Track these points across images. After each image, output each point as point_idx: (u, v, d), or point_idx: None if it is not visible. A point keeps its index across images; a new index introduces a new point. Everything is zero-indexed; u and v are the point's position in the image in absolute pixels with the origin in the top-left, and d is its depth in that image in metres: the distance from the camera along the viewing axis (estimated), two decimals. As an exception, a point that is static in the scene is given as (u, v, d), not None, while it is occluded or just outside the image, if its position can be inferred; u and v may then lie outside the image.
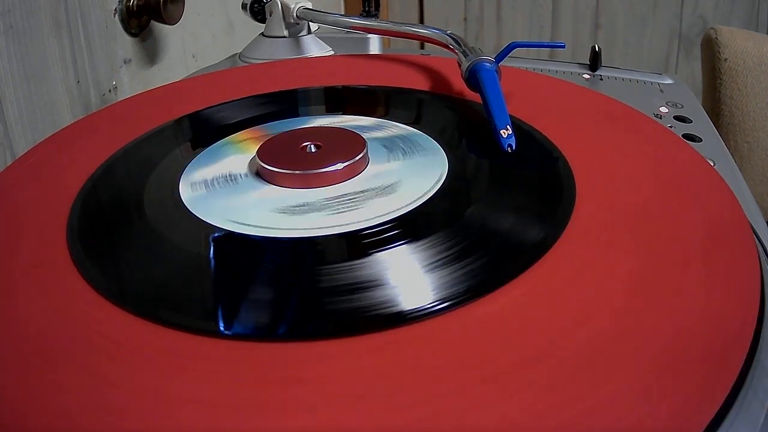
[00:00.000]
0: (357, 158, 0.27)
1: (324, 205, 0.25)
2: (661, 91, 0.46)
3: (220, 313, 0.20)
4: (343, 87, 0.37)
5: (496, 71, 0.32)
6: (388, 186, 0.26)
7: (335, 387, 0.18)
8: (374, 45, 0.55)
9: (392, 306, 0.20)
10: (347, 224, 0.24)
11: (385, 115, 0.33)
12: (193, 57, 0.68)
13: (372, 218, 0.24)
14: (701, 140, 0.39)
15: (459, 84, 0.35)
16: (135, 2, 0.55)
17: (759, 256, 0.22)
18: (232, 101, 0.36)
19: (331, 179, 0.26)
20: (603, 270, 0.21)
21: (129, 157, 0.30)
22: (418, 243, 0.23)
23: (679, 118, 0.42)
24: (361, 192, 0.26)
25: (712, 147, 0.38)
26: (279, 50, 0.50)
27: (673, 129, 0.37)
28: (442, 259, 0.22)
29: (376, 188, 0.26)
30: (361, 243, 0.23)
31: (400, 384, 0.17)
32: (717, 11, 1.08)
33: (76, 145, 0.32)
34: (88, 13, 0.51)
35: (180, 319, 0.20)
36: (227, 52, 0.59)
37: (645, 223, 0.23)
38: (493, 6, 1.18)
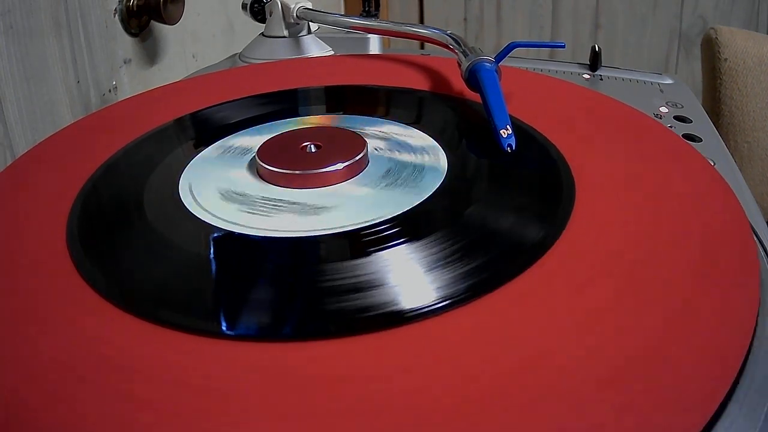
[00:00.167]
0: (357, 158, 0.27)
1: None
2: (661, 91, 0.46)
3: (219, 314, 0.20)
4: (343, 87, 0.37)
5: (496, 71, 0.32)
6: (399, 177, 0.26)
7: (335, 386, 0.18)
8: (374, 45, 0.55)
9: (392, 306, 0.20)
10: (379, 216, 0.24)
11: (385, 115, 0.33)
12: (193, 57, 0.68)
13: (373, 217, 0.24)
14: (701, 140, 0.39)
15: (459, 84, 0.35)
16: (135, 2, 0.55)
17: (759, 256, 0.22)
18: (232, 101, 0.36)
19: (331, 179, 0.27)
20: (602, 270, 0.21)
21: (129, 157, 0.30)
22: (418, 242, 0.23)
23: (679, 118, 0.42)
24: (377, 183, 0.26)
25: (712, 147, 0.38)
26: (279, 50, 0.50)
27: (673, 129, 0.37)
28: (442, 258, 0.22)
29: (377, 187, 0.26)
30: (360, 242, 0.23)
31: (400, 383, 0.17)
32: (717, 11, 1.08)
33: (76, 145, 0.32)
34: (88, 13, 0.51)
35: (180, 320, 0.20)
36: (227, 52, 0.59)
37: (645, 222, 0.23)
38: (493, 6, 1.18)
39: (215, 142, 0.31)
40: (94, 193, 0.28)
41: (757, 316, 0.19)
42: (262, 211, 0.25)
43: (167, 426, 0.17)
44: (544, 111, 0.32)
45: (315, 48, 0.50)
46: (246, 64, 0.49)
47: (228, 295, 0.21)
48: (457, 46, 0.36)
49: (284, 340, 0.19)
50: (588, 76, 0.49)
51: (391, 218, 0.24)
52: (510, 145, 0.28)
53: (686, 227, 0.23)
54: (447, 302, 0.20)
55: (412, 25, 0.42)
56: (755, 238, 0.23)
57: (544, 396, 0.17)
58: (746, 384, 0.18)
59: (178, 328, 0.20)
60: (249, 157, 0.29)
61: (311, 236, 0.23)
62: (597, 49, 0.50)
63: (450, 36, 0.38)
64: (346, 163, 0.27)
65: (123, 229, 0.25)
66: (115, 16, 0.55)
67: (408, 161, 0.28)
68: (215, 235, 0.24)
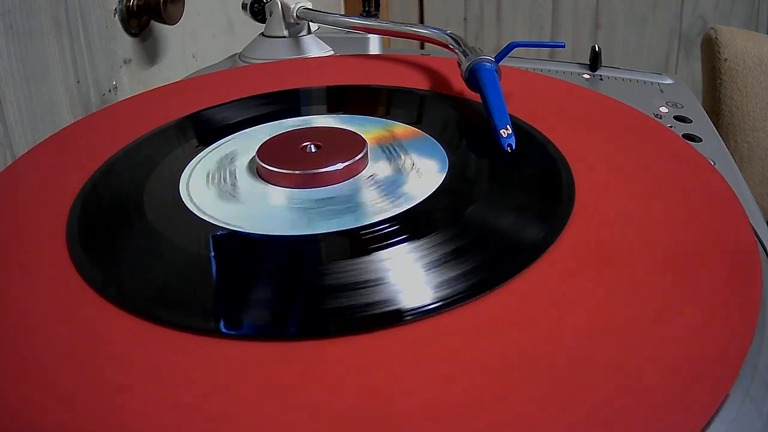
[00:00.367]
0: (357, 158, 0.27)
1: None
2: (661, 91, 0.46)
3: (219, 314, 0.20)
4: (343, 87, 0.37)
5: (496, 71, 0.32)
6: (399, 177, 0.26)
7: (335, 386, 0.18)
8: (374, 45, 0.55)
9: (391, 305, 0.20)
10: (376, 215, 0.24)
11: (385, 115, 0.33)
12: (193, 57, 0.68)
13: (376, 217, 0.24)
14: (701, 140, 0.39)
15: (459, 84, 0.35)
16: (135, 2, 0.55)
17: (759, 256, 0.22)
18: (233, 101, 0.36)
19: (331, 179, 0.27)
20: (602, 269, 0.21)
21: (129, 157, 0.30)
22: (418, 242, 0.23)
23: (679, 118, 0.42)
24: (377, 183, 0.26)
25: (712, 147, 0.38)
26: (279, 50, 0.50)
27: (673, 129, 0.37)
28: (442, 258, 0.22)
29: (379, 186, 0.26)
30: (360, 242, 0.23)
31: (400, 383, 0.17)
32: (717, 11, 1.08)
33: (76, 145, 0.32)
34: (88, 13, 0.51)
35: (180, 320, 0.20)
36: (227, 52, 0.59)
37: (644, 222, 0.23)
38: (493, 6, 1.18)
39: (215, 142, 0.31)
40: (94, 192, 0.28)
41: (758, 315, 0.19)
42: (262, 210, 0.25)
43: (167, 425, 0.17)
44: (544, 111, 0.32)
45: (315, 48, 0.50)
46: (246, 64, 0.49)
47: (227, 294, 0.21)
48: (457, 46, 0.36)
49: (284, 340, 0.19)
50: (588, 76, 0.49)
51: (391, 218, 0.24)
52: (510, 145, 0.28)
53: (686, 227, 0.23)
54: (446, 302, 0.20)
55: (412, 25, 0.42)
56: (755, 238, 0.23)
57: (543, 396, 0.17)
58: (747, 383, 0.18)
59: (178, 327, 0.20)
60: (249, 157, 0.29)
61: (311, 235, 0.23)
62: (597, 49, 0.50)
63: (450, 36, 0.38)
64: (346, 163, 0.27)
65: (123, 229, 0.25)
66: (115, 16, 0.55)
67: (408, 161, 0.28)
68: (215, 234, 0.24)
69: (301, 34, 0.50)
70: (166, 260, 0.23)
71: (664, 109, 0.43)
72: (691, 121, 0.41)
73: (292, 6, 0.49)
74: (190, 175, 0.28)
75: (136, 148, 0.31)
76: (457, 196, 0.26)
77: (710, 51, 0.69)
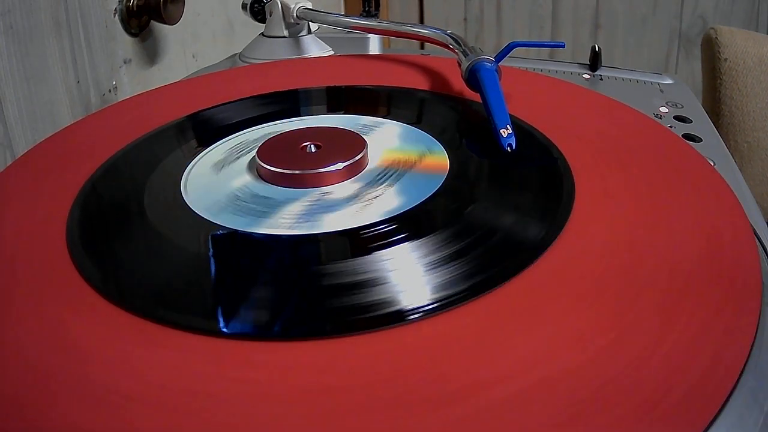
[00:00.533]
0: (357, 158, 0.27)
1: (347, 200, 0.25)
2: (661, 91, 0.46)
3: (219, 313, 0.20)
4: (344, 87, 0.37)
5: (496, 71, 0.32)
6: (400, 177, 0.26)
7: (335, 385, 0.18)
8: (374, 45, 0.55)
9: (391, 305, 0.20)
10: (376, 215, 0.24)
11: (385, 115, 0.33)
12: (193, 57, 0.68)
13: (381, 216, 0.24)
14: (701, 140, 0.39)
15: (459, 84, 0.35)
16: (135, 2, 0.55)
17: (759, 256, 0.22)
18: (233, 101, 0.36)
19: (331, 179, 0.27)
20: (602, 269, 0.21)
21: (129, 157, 0.30)
22: (418, 242, 0.23)
23: (679, 118, 0.42)
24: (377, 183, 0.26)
25: (712, 147, 0.38)
26: (279, 50, 0.50)
27: (673, 129, 0.37)
28: (441, 258, 0.22)
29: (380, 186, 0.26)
30: (360, 242, 0.23)
31: (399, 382, 0.17)
32: (717, 11, 1.08)
33: (76, 145, 0.32)
34: (88, 13, 0.51)
35: (180, 319, 0.20)
36: (227, 52, 0.59)
37: (644, 223, 0.23)
38: (493, 6, 1.18)
39: (215, 142, 0.31)
40: (94, 192, 0.28)
41: (759, 316, 0.19)
42: (262, 210, 0.25)
43: (166, 425, 0.17)
44: (544, 111, 0.32)
45: (315, 48, 0.50)
46: (246, 64, 0.49)
47: (228, 294, 0.21)
48: (457, 46, 0.36)
49: (284, 339, 0.19)
50: (588, 76, 0.49)
51: (391, 218, 0.24)
52: (510, 145, 0.28)
53: (686, 227, 0.23)
54: (446, 302, 0.20)
55: (412, 25, 0.42)
56: (755, 238, 0.23)
57: (543, 395, 0.17)
58: (747, 384, 0.18)
59: (179, 327, 0.20)
60: (249, 157, 0.29)
61: (311, 235, 0.23)
62: (597, 49, 0.50)
63: (450, 36, 0.38)
64: (346, 163, 0.27)
65: (123, 229, 0.25)
66: (115, 16, 0.55)
67: (408, 161, 0.28)
68: (215, 234, 0.24)
69: (301, 34, 0.50)
70: (166, 260, 0.23)
71: (664, 109, 0.43)
72: (691, 121, 0.41)
73: (292, 6, 0.49)
74: (190, 175, 0.28)
75: (136, 148, 0.31)
76: (457, 196, 0.26)
77: (710, 51, 0.69)
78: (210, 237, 0.24)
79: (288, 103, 0.36)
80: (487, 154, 0.29)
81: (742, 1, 1.06)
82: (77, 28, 0.50)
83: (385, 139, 0.30)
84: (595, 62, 0.50)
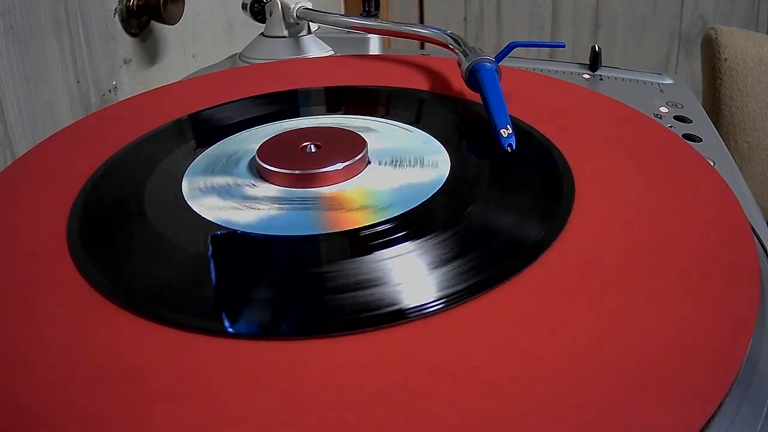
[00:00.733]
0: (357, 158, 0.27)
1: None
2: (661, 91, 0.46)
3: (221, 313, 0.20)
4: (344, 87, 0.37)
5: (496, 71, 0.32)
6: (400, 177, 0.26)
7: (335, 385, 0.18)
8: (374, 45, 0.55)
9: (392, 304, 0.20)
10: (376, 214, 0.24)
11: (385, 115, 0.33)
12: (193, 57, 0.68)
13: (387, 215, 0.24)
14: (701, 140, 0.39)
15: (459, 84, 0.35)
16: (135, 2, 0.55)
17: (759, 256, 0.22)
18: (233, 101, 0.36)
19: (331, 179, 0.27)
20: (602, 269, 0.21)
21: (129, 157, 0.30)
22: (418, 242, 0.23)
23: (679, 118, 0.42)
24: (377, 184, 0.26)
25: (712, 147, 0.38)
26: (279, 50, 0.50)
27: (673, 129, 0.37)
28: (442, 257, 0.22)
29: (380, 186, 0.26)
30: (360, 242, 0.23)
31: (400, 382, 0.17)
32: (717, 11, 1.08)
33: (76, 145, 0.32)
34: (88, 13, 0.51)
35: (181, 319, 0.20)
36: (227, 52, 0.59)
37: (644, 222, 0.23)
38: (493, 6, 1.18)
39: (215, 142, 0.31)
40: (94, 192, 0.28)
41: (758, 315, 0.19)
42: (262, 210, 0.25)
43: (166, 425, 0.17)
44: (545, 111, 0.32)
45: (315, 48, 0.50)
46: (246, 64, 0.49)
47: (229, 294, 0.21)
48: (457, 46, 0.36)
49: (285, 338, 0.19)
50: (588, 76, 0.49)
51: (392, 218, 0.24)
52: (510, 145, 0.28)
53: (686, 227, 0.23)
54: (447, 301, 0.20)
55: (412, 25, 0.42)
56: (755, 238, 0.23)
57: (543, 395, 0.17)
58: (746, 383, 0.18)
59: (180, 326, 0.20)
60: (249, 157, 0.29)
61: (312, 235, 0.23)
62: (597, 49, 0.50)
63: (450, 36, 0.38)
64: (346, 163, 0.27)
65: (124, 229, 0.25)
66: (115, 16, 0.55)
67: (408, 161, 0.28)
68: (216, 234, 0.24)
69: (301, 34, 0.50)
70: (167, 260, 0.23)
71: (664, 109, 0.43)
72: (691, 121, 0.41)
73: (292, 6, 0.49)
74: (190, 174, 0.28)
75: (137, 148, 0.31)
76: (457, 196, 0.26)
77: (710, 51, 0.69)
78: (210, 237, 0.24)
79: (288, 103, 0.36)
80: (487, 155, 0.29)
81: (742, 1, 1.06)
82: (77, 28, 0.50)
83: (386, 139, 0.30)
84: (595, 62, 0.50)
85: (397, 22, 0.43)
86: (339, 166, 0.27)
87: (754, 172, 0.67)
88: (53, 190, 0.28)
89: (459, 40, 0.37)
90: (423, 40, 0.42)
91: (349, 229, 0.24)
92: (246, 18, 0.54)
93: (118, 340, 0.20)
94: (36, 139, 0.46)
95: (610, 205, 0.25)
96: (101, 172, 0.29)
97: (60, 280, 0.22)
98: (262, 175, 0.27)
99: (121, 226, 0.26)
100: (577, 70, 0.51)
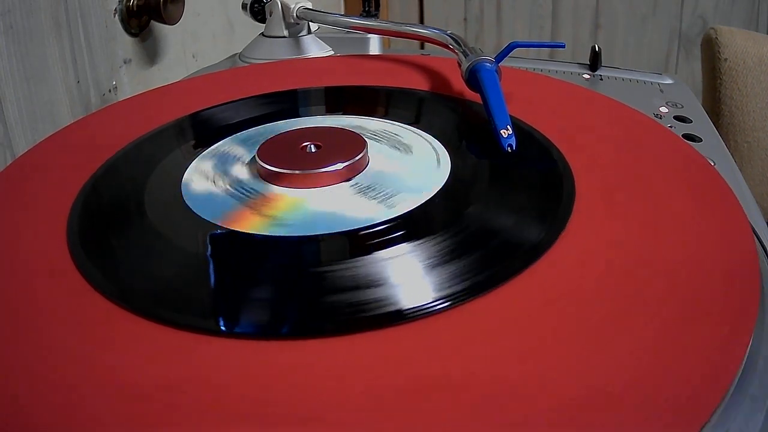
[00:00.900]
0: (357, 158, 0.27)
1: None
2: (661, 91, 0.46)
3: (219, 313, 0.20)
4: (343, 87, 0.37)
5: (496, 71, 0.32)
6: (400, 177, 0.26)
7: (334, 385, 0.18)
8: (374, 45, 0.55)
9: (391, 305, 0.20)
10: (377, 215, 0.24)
11: (385, 115, 0.33)
12: (193, 57, 0.68)
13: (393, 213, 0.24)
14: (701, 140, 0.39)
15: (459, 84, 0.35)
16: (135, 2, 0.55)
17: (759, 256, 0.22)
18: (233, 101, 0.36)
19: (331, 179, 0.27)
20: (602, 270, 0.21)
21: (129, 157, 0.30)
22: (418, 242, 0.23)
23: (679, 118, 0.42)
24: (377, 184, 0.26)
25: (712, 147, 0.38)
26: (279, 50, 0.50)
27: (673, 129, 0.37)
28: (441, 258, 0.22)
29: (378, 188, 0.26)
30: (360, 242, 0.23)
31: (398, 382, 0.17)
32: (717, 11, 1.08)
33: (75, 146, 0.32)
34: (88, 13, 0.51)
35: (181, 319, 0.20)
36: (227, 52, 0.59)
37: (644, 222, 0.23)
38: (493, 6, 1.18)
39: (216, 142, 0.31)
40: (94, 192, 0.28)
41: (759, 316, 0.19)
42: (262, 210, 0.25)
43: (165, 424, 0.17)
44: (544, 111, 0.32)
45: (315, 48, 0.50)
46: (246, 64, 0.49)
47: (228, 293, 0.21)
48: (457, 46, 0.36)
49: (283, 339, 0.19)
50: (588, 76, 0.49)
51: (391, 218, 0.24)
52: (510, 145, 0.28)
53: (686, 227, 0.23)
54: (446, 302, 0.20)
55: (412, 25, 0.42)
56: (755, 239, 0.23)
57: (543, 395, 0.17)
58: (747, 384, 0.18)
59: (180, 326, 0.20)
60: (249, 157, 0.29)
61: (311, 236, 0.23)
62: (597, 49, 0.50)
63: (450, 36, 0.38)
64: (346, 163, 0.27)
65: (124, 229, 0.25)
66: (115, 16, 0.55)
67: (408, 161, 0.28)
68: (216, 234, 0.24)
69: (301, 34, 0.50)
70: (167, 260, 0.23)
71: (664, 109, 0.43)
72: (691, 121, 0.41)
73: (292, 6, 0.49)
74: (190, 174, 0.28)
75: (136, 148, 0.31)
76: (457, 197, 0.26)
77: (710, 51, 0.69)
78: (210, 237, 0.24)
79: (288, 103, 0.36)
80: (487, 155, 0.29)
81: (742, 1, 1.06)
82: (77, 28, 0.50)
83: (386, 139, 0.30)
84: (595, 62, 0.50)
85: (397, 22, 0.43)
86: (339, 166, 0.27)
87: (754, 172, 0.67)
88: (53, 190, 0.28)
89: (459, 40, 0.37)
90: (423, 40, 0.42)
91: (348, 229, 0.24)
92: (246, 18, 0.54)
93: (118, 339, 0.20)
94: (36, 139, 0.46)
95: (610, 206, 0.25)
96: (101, 172, 0.29)
97: (60, 280, 0.22)
98: (261, 175, 0.27)
99: (121, 226, 0.26)
100: (577, 70, 0.51)
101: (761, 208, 0.34)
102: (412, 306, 0.20)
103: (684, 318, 0.19)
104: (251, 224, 0.24)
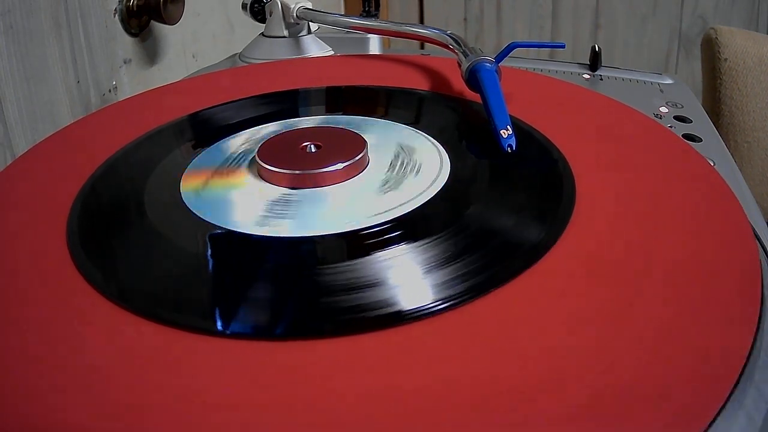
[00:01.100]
0: (357, 158, 0.27)
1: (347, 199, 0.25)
2: (661, 91, 0.46)
3: (218, 313, 0.20)
4: (343, 87, 0.37)
5: (496, 71, 0.32)
6: (400, 177, 0.26)
7: (334, 386, 0.18)
8: (374, 45, 0.55)
9: (391, 306, 0.20)
10: (376, 215, 0.24)
11: (385, 115, 0.33)
12: (193, 57, 0.68)
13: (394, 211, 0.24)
14: (701, 140, 0.39)
15: (459, 84, 0.35)
16: (135, 2, 0.55)
17: (759, 256, 0.22)
18: (232, 101, 0.36)
19: (331, 179, 0.27)
20: (602, 271, 0.21)
21: (129, 157, 0.30)
22: (418, 243, 0.23)
23: (679, 118, 0.42)
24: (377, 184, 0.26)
25: (712, 147, 0.38)
26: (279, 50, 0.50)
27: (673, 129, 0.37)
28: (441, 259, 0.22)
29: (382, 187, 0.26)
30: (360, 243, 0.23)
31: (397, 383, 0.17)
32: (717, 11, 1.08)
33: (76, 145, 0.32)
34: (88, 13, 0.51)
35: (180, 319, 0.20)
36: (227, 52, 0.59)
37: (644, 223, 0.23)
38: (493, 6, 1.18)
39: (215, 142, 0.31)
40: (94, 192, 0.28)
41: (759, 316, 0.19)
42: (262, 210, 0.25)
43: (164, 424, 0.17)
44: (544, 111, 0.32)
45: (315, 48, 0.50)
46: (246, 64, 0.49)
47: (227, 294, 0.21)
48: (457, 46, 0.36)
49: (282, 339, 0.19)
50: (588, 76, 0.49)
51: (391, 219, 0.24)
52: (510, 146, 0.28)
53: (686, 228, 0.23)
54: (446, 303, 0.20)
55: (412, 25, 0.42)
56: (755, 239, 0.23)
57: (543, 396, 0.17)
58: (748, 385, 0.18)
59: (179, 326, 0.20)
60: (249, 157, 0.29)
61: (310, 236, 0.23)
62: (597, 49, 0.50)
63: (450, 36, 0.38)
64: (346, 163, 0.27)
65: (123, 229, 0.25)
66: (115, 16, 0.55)
67: (408, 162, 0.28)
68: (215, 234, 0.24)
69: (301, 34, 0.50)
70: (166, 260, 0.23)
71: (664, 109, 0.43)
72: (691, 121, 0.41)
73: (292, 6, 0.49)
74: (190, 174, 0.28)
75: (136, 148, 0.31)
76: (457, 197, 0.26)
77: (710, 51, 0.69)
78: (210, 237, 0.24)
79: (288, 103, 0.36)
80: (487, 155, 0.29)
81: (742, 1, 1.06)
82: (77, 28, 0.50)
83: (385, 139, 0.30)
84: (595, 62, 0.50)
85: (397, 22, 0.43)
86: (339, 166, 0.27)
87: (754, 172, 0.67)
88: (53, 190, 0.28)
89: (459, 41, 0.37)
90: (423, 40, 0.42)
91: (348, 230, 0.24)
92: (246, 18, 0.54)
93: (118, 339, 0.20)
94: (36, 139, 0.46)
95: (610, 206, 0.25)
96: (101, 172, 0.29)
97: (60, 280, 0.22)
98: (261, 175, 0.27)
99: (120, 226, 0.26)
100: (577, 70, 0.51)
101: (761, 208, 0.34)
102: (411, 307, 0.20)
103: (684, 319, 0.19)
104: (251, 224, 0.24)
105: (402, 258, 0.22)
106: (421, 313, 0.20)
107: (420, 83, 0.37)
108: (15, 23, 0.44)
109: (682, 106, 0.44)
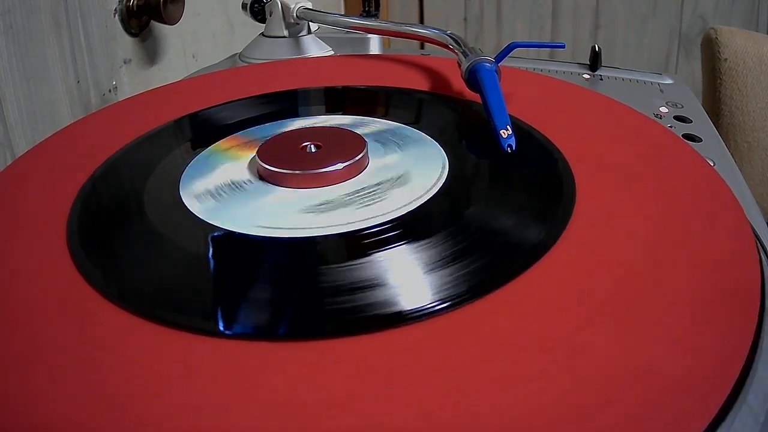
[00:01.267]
0: (357, 158, 0.27)
1: (346, 201, 0.25)
2: (661, 91, 0.46)
3: (219, 313, 0.20)
4: (343, 87, 0.37)
5: (496, 71, 0.32)
6: (400, 178, 0.26)
7: (334, 386, 0.18)
8: (374, 45, 0.55)
9: (392, 306, 0.20)
10: (376, 216, 0.24)
11: (385, 115, 0.33)
12: (193, 57, 0.68)
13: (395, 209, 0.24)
14: (701, 140, 0.39)
15: (459, 84, 0.35)
16: (135, 2, 0.55)
17: (759, 256, 0.22)
18: (232, 101, 0.36)
19: (331, 179, 0.27)
20: (602, 271, 0.21)
21: (129, 157, 0.30)
22: (418, 243, 0.23)
23: (679, 118, 0.42)
24: (377, 185, 0.26)
25: (712, 147, 0.38)
26: (279, 50, 0.50)
27: (673, 129, 0.37)
28: (442, 259, 0.22)
29: (389, 180, 0.26)
30: (360, 243, 0.23)
31: (399, 383, 0.17)
32: (717, 11, 1.08)
33: (76, 145, 0.32)
34: (88, 13, 0.51)
35: (180, 319, 0.20)
36: (227, 52, 0.59)
37: (644, 223, 0.23)
38: (493, 6, 1.18)
39: (215, 142, 0.31)
40: (94, 192, 0.28)
41: (759, 317, 0.19)
42: (262, 210, 0.25)
43: (164, 424, 0.17)
44: (544, 111, 0.32)
45: (315, 48, 0.50)
46: (246, 64, 0.49)
47: (227, 294, 0.21)
48: (457, 46, 0.36)
49: (282, 340, 0.19)
50: (588, 76, 0.49)
51: (391, 219, 0.24)
52: (510, 146, 0.28)
53: (686, 228, 0.23)
54: (446, 303, 0.20)
55: (412, 25, 0.42)
56: (755, 239, 0.23)
57: (543, 397, 0.17)
58: (748, 386, 0.18)
59: (179, 326, 0.20)
60: (249, 156, 0.29)
61: (311, 237, 0.23)
62: (597, 49, 0.50)
63: (450, 36, 0.38)
64: (346, 163, 0.27)
65: (123, 229, 0.25)
66: (115, 16, 0.55)
67: (408, 162, 0.28)
68: (215, 234, 0.24)
69: (301, 34, 0.50)
70: (166, 260, 0.23)
71: (664, 109, 0.43)
72: (691, 121, 0.41)
73: (292, 6, 0.49)
74: (190, 174, 0.28)
75: (136, 148, 0.31)
76: (457, 197, 0.26)
77: (710, 51, 0.69)
78: (209, 238, 0.24)
79: (288, 103, 0.36)
80: (487, 155, 0.29)
81: (742, 1, 1.06)
82: (77, 28, 0.50)
83: (385, 139, 0.30)
84: (595, 62, 0.50)
85: (397, 22, 0.43)
86: (339, 166, 0.27)
87: (754, 172, 0.67)
88: (53, 190, 0.28)
89: (459, 40, 0.37)
90: (423, 40, 0.42)
91: (347, 231, 0.24)
92: (246, 18, 0.55)
93: (118, 340, 0.20)
94: (36, 139, 0.46)
95: (611, 206, 0.25)
96: (101, 172, 0.29)
97: (60, 280, 0.22)
98: (261, 175, 0.27)
99: (120, 226, 0.26)
100: (577, 70, 0.51)
101: (761, 208, 0.34)
102: (412, 308, 0.20)
103: (684, 319, 0.19)
104: (251, 225, 0.24)
105: (402, 258, 0.22)
106: (422, 313, 0.20)
107: (420, 83, 0.37)
108: (15, 23, 0.44)
109: (682, 106, 0.44)
